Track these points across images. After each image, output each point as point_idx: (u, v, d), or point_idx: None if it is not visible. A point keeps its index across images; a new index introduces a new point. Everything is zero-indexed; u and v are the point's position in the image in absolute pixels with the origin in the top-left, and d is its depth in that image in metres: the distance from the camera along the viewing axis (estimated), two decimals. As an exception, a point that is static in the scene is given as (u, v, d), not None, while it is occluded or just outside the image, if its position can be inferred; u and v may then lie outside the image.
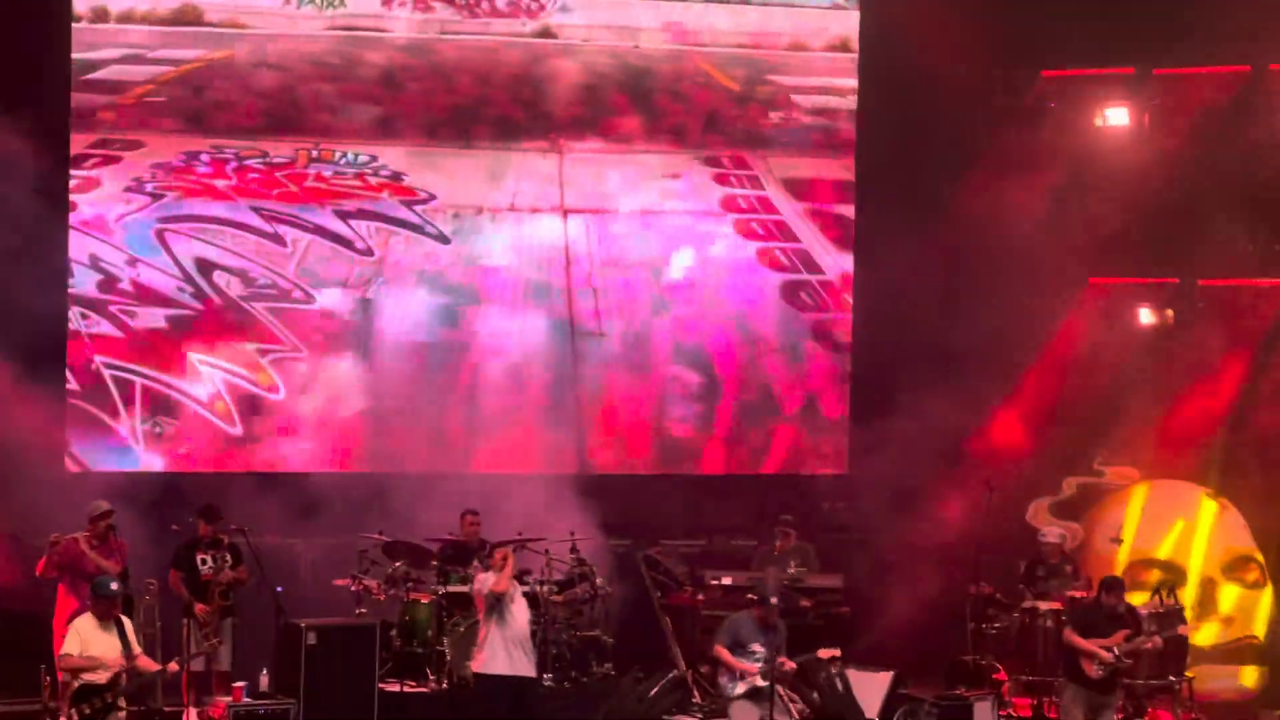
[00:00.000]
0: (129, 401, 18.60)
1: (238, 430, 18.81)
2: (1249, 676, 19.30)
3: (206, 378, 18.78)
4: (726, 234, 20.16)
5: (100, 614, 14.12)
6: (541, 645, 16.73)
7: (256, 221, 18.99)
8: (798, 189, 20.29)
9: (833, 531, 19.41)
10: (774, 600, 15.76)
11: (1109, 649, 15.74)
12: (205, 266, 18.85)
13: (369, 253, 19.26)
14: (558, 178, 19.72)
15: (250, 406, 18.86)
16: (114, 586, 14.29)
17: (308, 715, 15.62)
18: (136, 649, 14.27)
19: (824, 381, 20.34)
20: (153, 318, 18.70)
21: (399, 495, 18.06)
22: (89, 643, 14.05)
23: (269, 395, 18.90)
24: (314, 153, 19.16)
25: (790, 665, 15.46)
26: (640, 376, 19.88)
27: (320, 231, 19.15)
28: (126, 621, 14.32)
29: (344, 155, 19.25)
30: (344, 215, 19.21)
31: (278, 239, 19.03)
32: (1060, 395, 19.98)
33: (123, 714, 14.10)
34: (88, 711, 13.89)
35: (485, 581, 15.06)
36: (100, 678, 13.94)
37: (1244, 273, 20.55)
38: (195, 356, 18.75)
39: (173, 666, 14.66)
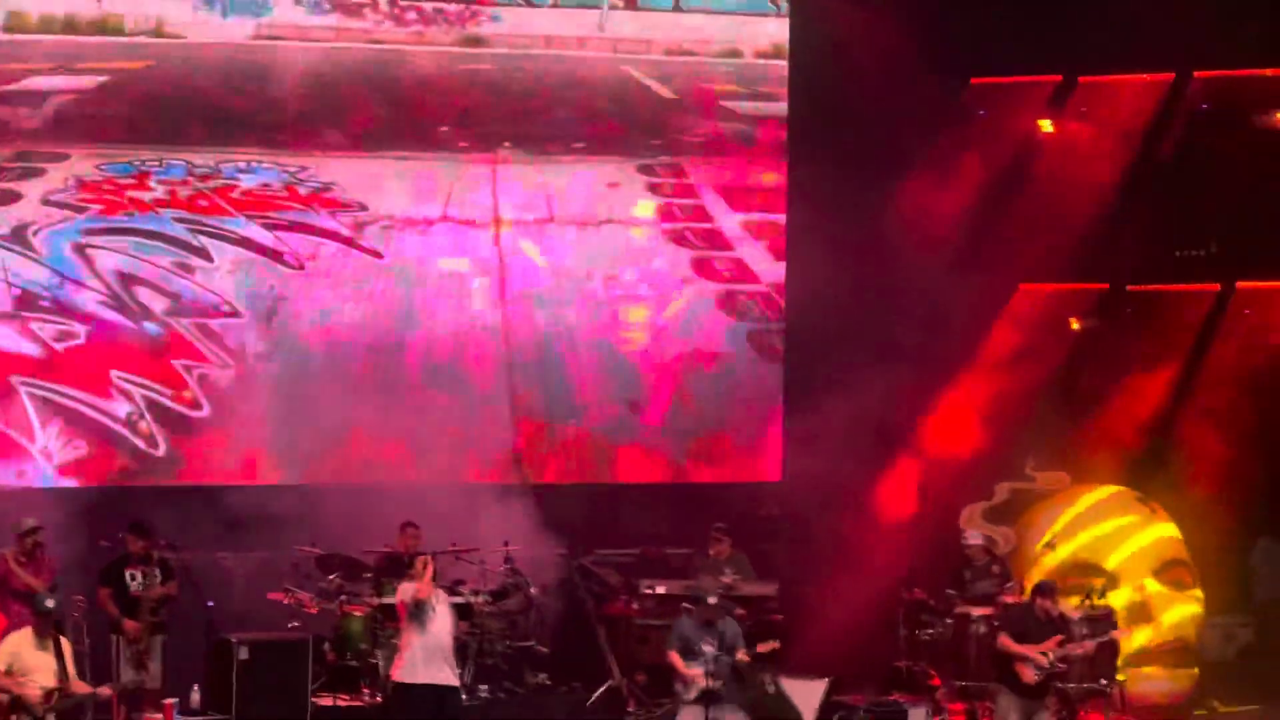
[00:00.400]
0: (45, 421, 18.33)
1: (160, 450, 18.59)
2: (1180, 679, 19.42)
3: (129, 395, 18.56)
4: (661, 243, 20.13)
5: (39, 631, 13.98)
6: (476, 656, 16.71)
7: (182, 234, 18.77)
8: (731, 196, 20.29)
9: (767, 539, 19.42)
10: (711, 600, 15.82)
11: (1044, 654, 15.83)
12: (128, 281, 18.63)
13: (299, 266, 19.09)
14: (491, 188, 19.65)
15: (175, 424, 18.64)
16: (49, 604, 14.15)
17: (240, 732, 15.52)
18: (71, 670, 14.14)
19: (758, 389, 20.33)
20: (73, 334, 18.47)
21: (331, 508, 17.93)
22: (23, 660, 13.91)
23: (193, 413, 18.69)
24: (240, 164, 18.99)
25: (743, 657, 15.47)
26: (575, 386, 19.82)
27: (247, 244, 18.96)
28: (65, 642, 14.20)
29: (271, 167, 19.08)
30: (272, 227, 19.05)
31: (203, 253, 18.84)
32: (992, 401, 20.06)
33: None
34: None
35: (407, 590, 15.00)
36: (32, 694, 13.80)
37: (1171, 279, 20.73)
38: (117, 374, 18.53)
39: (105, 690, 14.50)
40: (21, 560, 15.76)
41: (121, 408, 18.48)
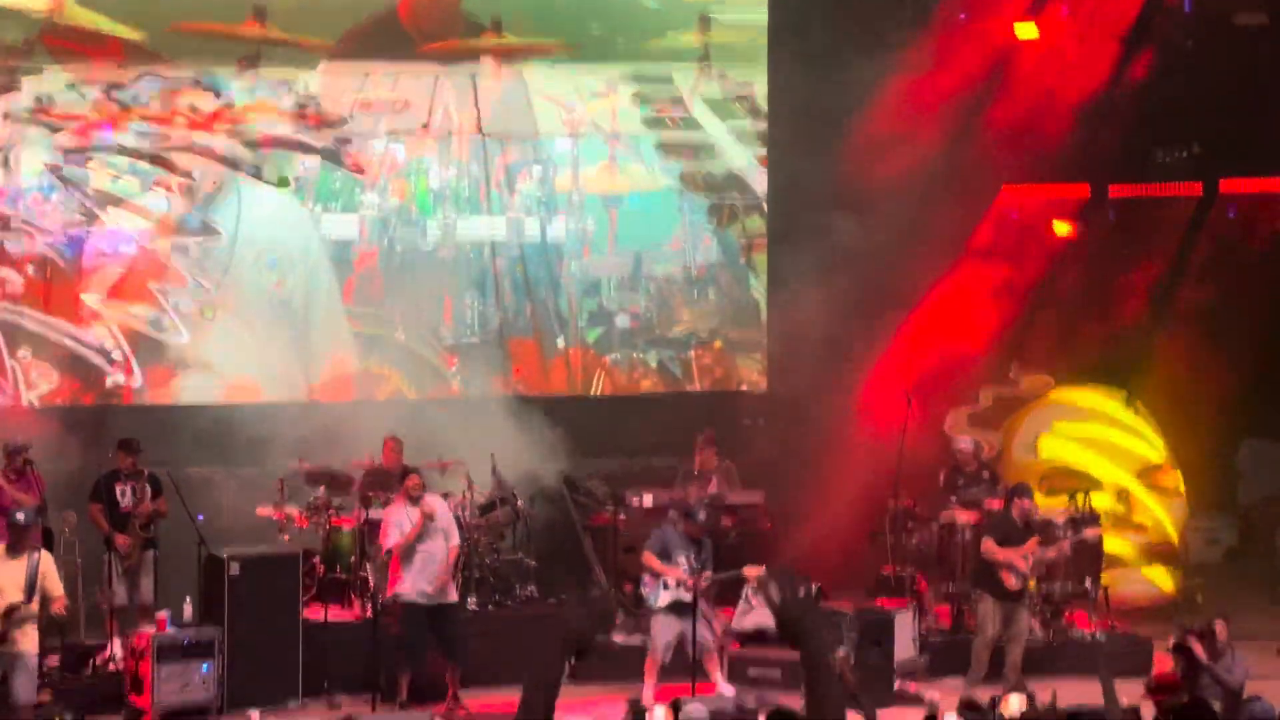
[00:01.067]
0: (15, 346, 18.30)
1: (136, 380, 18.58)
2: (1164, 581, 19.56)
3: (106, 319, 18.53)
4: (650, 152, 20.06)
5: (11, 546, 13.92)
6: (464, 569, 16.79)
7: (159, 152, 18.62)
8: (717, 107, 20.22)
9: (754, 448, 19.48)
10: (701, 515, 16.00)
11: (1025, 558, 16.02)
12: (106, 200, 18.55)
13: (284, 183, 19.04)
14: (473, 98, 19.57)
15: (153, 349, 18.65)
16: (19, 516, 13.97)
17: (232, 644, 15.60)
18: (55, 591, 13.90)
19: (743, 299, 20.37)
20: (47, 257, 18.40)
21: (318, 423, 17.99)
22: None
23: (173, 338, 18.69)
24: (220, 78, 18.89)
25: (704, 584, 15.66)
26: (564, 295, 19.83)
27: (228, 163, 18.88)
28: (47, 558, 14.06)
29: (252, 80, 18.99)
30: (253, 145, 18.97)
31: (184, 171, 18.76)
32: (975, 304, 20.09)
33: (17, 650, 13.75)
34: None
35: (400, 526, 15.20)
36: None
37: (1154, 180, 20.74)
38: (90, 298, 18.48)
39: (56, 607, 14.01)
40: (11, 478, 15.79)
41: (98, 332, 18.49)
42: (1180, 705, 11.58)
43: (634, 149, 20.05)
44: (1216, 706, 11.57)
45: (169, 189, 18.71)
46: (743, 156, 20.31)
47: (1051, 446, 19.56)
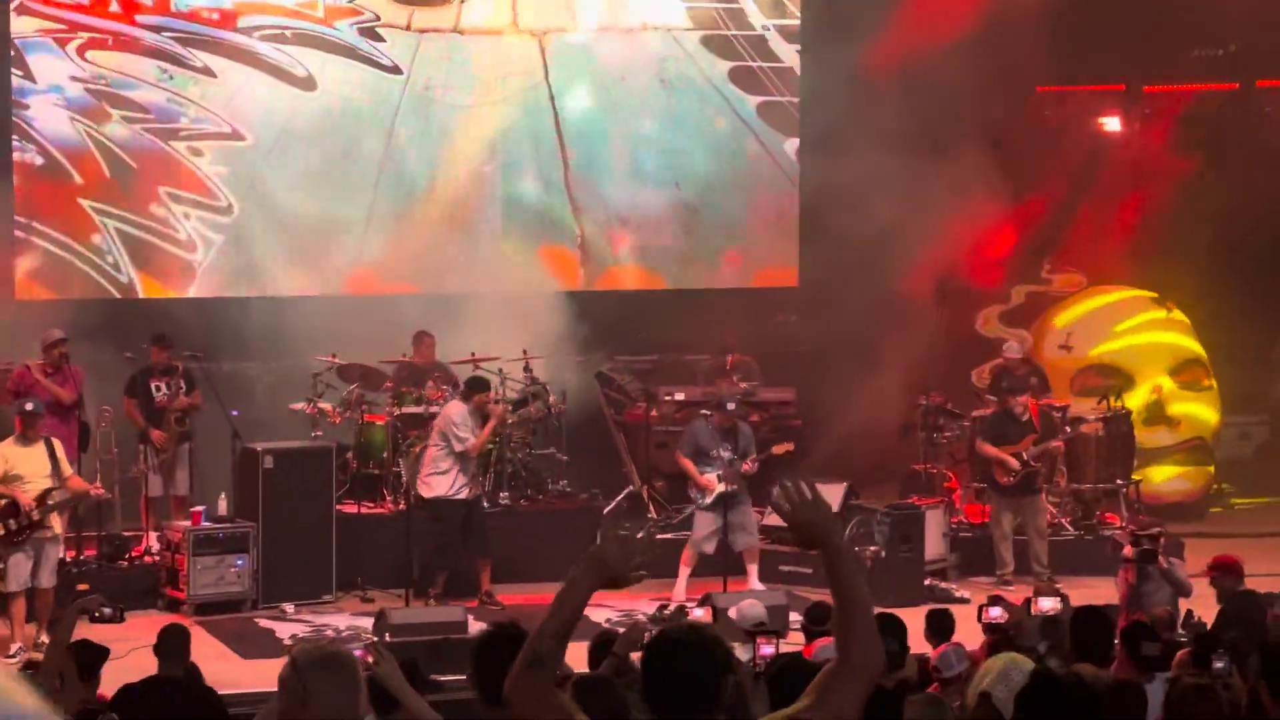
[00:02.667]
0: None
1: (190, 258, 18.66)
2: (1196, 478, 19.59)
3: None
4: (696, 47, 19.92)
5: (25, 435, 14.23)
6: (497, 464, 16.89)
7: (178, 50, 18.48)
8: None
9: (785, 344, 19.49)
10: (730, 405, 16.04)
11: (1017, 455, 16.18)
12: (120, 103, 18.36)
13: (310, 84, 18.93)
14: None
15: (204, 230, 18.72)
16: (29, 406, 14.38)
17: (266, 538, 15.74)
18: (67, 469, 14.44)
19: (772, 195, 20.31)
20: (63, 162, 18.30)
21: (350, 318, 18.04)
22: (12, 462, 14.16)
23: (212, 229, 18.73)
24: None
25: (750, 467, 15.71)
26: (600, 195, 19.81)
27: (255, 62, 18.76)
28: (56, 443, 14.49)
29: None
30: (279, 41, 18.84)
31: (207, 71, 18.66)
32: (1009, 201, 20.00)
33: (50, 531, 14.27)
34: (13, 526, 14.03)
35: (464, 440, 15.32)
36: (24, 500, 14.05)
37: (1190, 78, 20.58)
38: (89, 204, 18.39)
39: (97, 488, 14.80)
40: (49, 371, 15.88)
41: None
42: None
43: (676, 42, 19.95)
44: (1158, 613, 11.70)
45: (195, 91, 18.60)
46: (780, 50, 20.16)
47: (1084, 344, 19.52)
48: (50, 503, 14.22)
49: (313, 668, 5.86)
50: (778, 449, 16.32)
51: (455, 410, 15.73)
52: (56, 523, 14.43)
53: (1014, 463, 16.34)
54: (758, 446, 16.39)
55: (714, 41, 19.98)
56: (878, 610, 6.14)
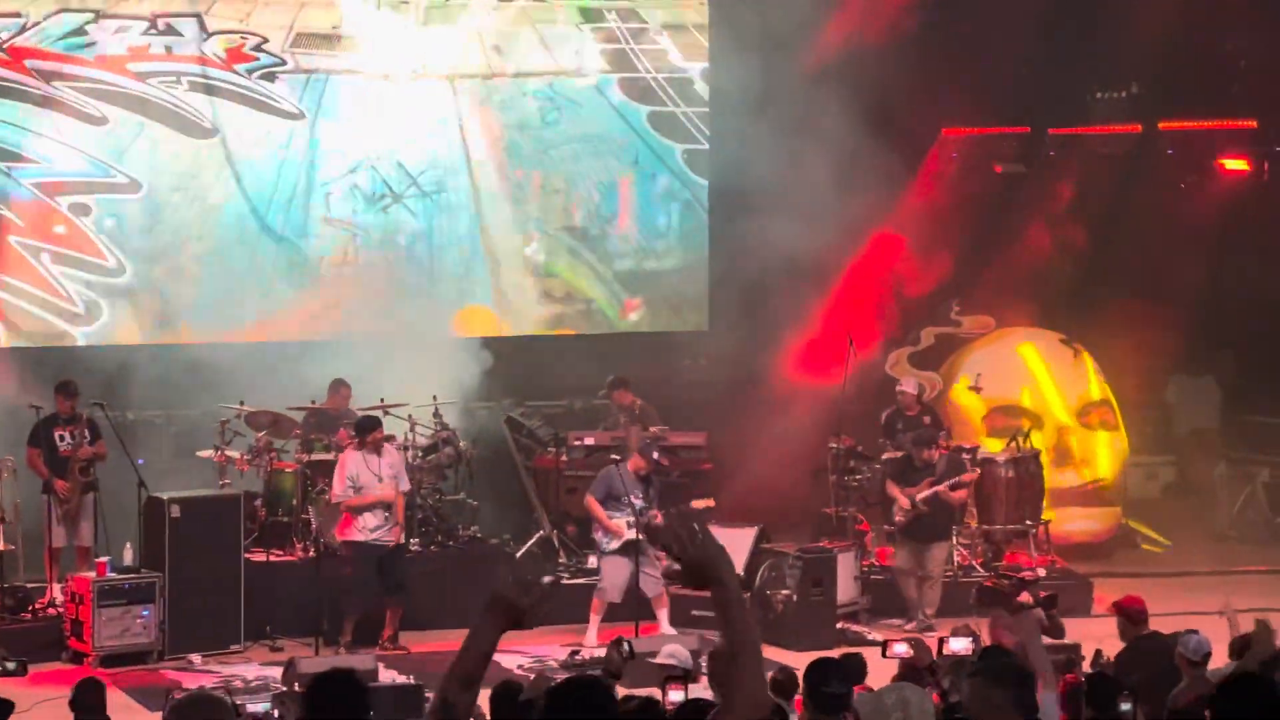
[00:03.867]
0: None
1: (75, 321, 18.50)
2: (1104, 518, 19.70)
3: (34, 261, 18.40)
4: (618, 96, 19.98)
5: None
6: (408, 510, 16.78)
7: (68, 97, 18.27)
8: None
9: (695, 388, 19.51)
10: (655, 454, 16.03)
11: (910, 498, 16.37)
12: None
13: (210, 132, 18.79)
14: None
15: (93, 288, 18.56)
16: None
17: (173, 588, 15.56)
18: None
19: (683, 235, 20.34)
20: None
21: (259, 365, 17.90)
22: None
23: (111, 279, 18.57)
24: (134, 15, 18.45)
25: (659, 518, 15.73)
26: (505, 237, 19.81)
27: (149, 110, 18.49)
28: None
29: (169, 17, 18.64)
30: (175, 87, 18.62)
31: (97, 119, 18.45)
32: (916, 245, 20.13)
33: None
34: None
35: (355, 476, 15.29)
36: None
37: (1092, 121, 20.78)
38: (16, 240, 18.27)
39: None
40: (-52, 422, 15.69)
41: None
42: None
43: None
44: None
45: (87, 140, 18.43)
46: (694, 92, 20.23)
47: (993, 385, 19.62)
48: None
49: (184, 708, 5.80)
50: (698, 504, 16.33)
51: (348, 458, 15.63)
52: None
53: (904, 502, 16.46)
54: (669, 490, 16.35)
55: (629, 85, 20.00)
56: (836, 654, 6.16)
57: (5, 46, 18.13)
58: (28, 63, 18.21)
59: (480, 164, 19.63)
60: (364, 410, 16.88)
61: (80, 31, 18.34)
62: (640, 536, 15.70)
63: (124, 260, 18.57)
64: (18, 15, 18.16)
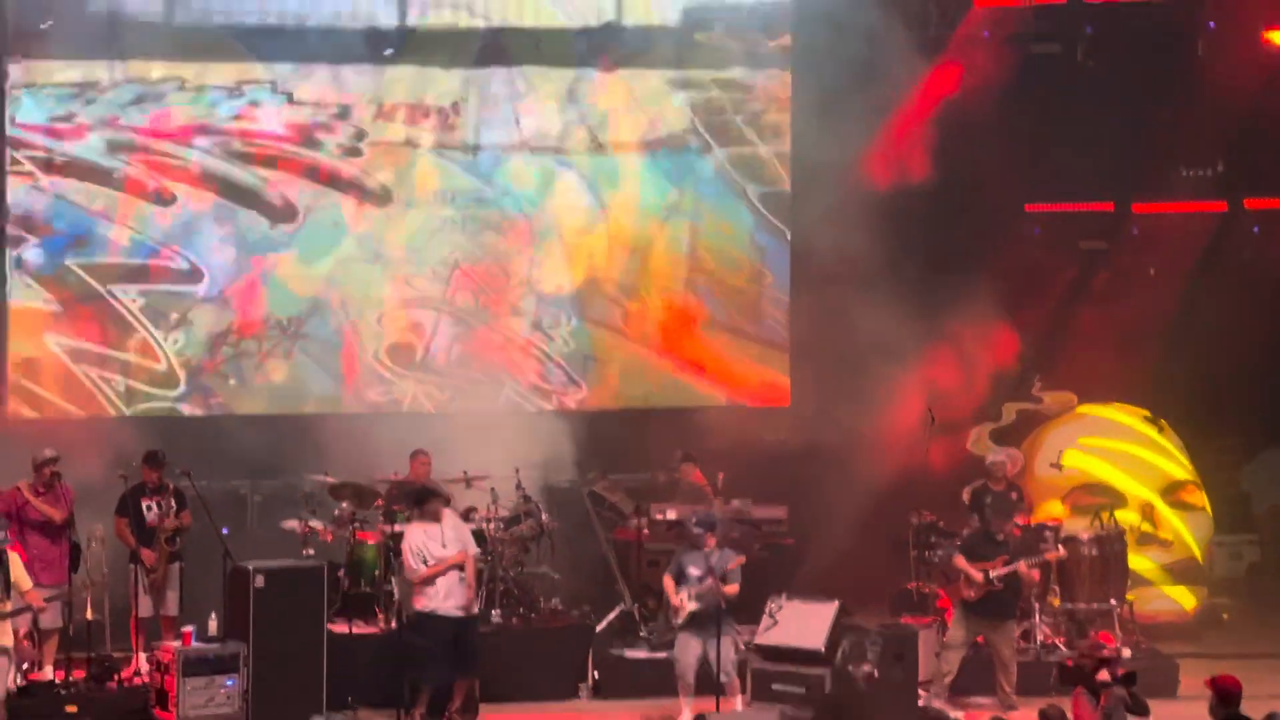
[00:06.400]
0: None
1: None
2: (1189, 598, 19.54)
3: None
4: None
5: None
6: (489, 583, 16.82)
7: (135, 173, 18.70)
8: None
9: (776, 463, 19.50)
10: (694, 523, 15.94)
11: (984, 572, 16.08)
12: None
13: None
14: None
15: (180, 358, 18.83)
16: (2, 535, 14.35)
17: (257, 658, 15.61)
18: (25, 583, 14.37)
19: (766, 312, 20.43)
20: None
21: (343, 436, 18.05)
22: None
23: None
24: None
25: (714, 583, 15.52)
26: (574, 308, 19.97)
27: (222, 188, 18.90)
28: (13, 557, 14.39)
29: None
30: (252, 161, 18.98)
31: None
32: (999, 321, 20.10)
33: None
34: None
35: (420, 550, 15.33)
36: None
37: (1177, 198, 20.74)
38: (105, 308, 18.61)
39: (38, 601, 14.67)
40: (39, 490, 15.85)
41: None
42: None
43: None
44: None
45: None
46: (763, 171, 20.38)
47: (1075, 463, 19.54)
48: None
49: None
50: (732, 564, 16.13)
51: (411, 533, 15.68)
52: (6, 636, 14.30)
53: (978, 577, 16.18)
54: (750, 565, 16.24)
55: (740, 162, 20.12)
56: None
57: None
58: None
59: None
60: (446, 482, 16.97)
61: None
62: (695, 606, 15.55)
63: (208, 331, 18.84)
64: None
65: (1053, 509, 18.88)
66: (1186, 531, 19.60)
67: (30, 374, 18.53)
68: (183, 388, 18.87)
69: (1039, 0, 20.24)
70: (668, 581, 15.90)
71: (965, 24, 20.31)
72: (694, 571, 15.70)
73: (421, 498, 15.82)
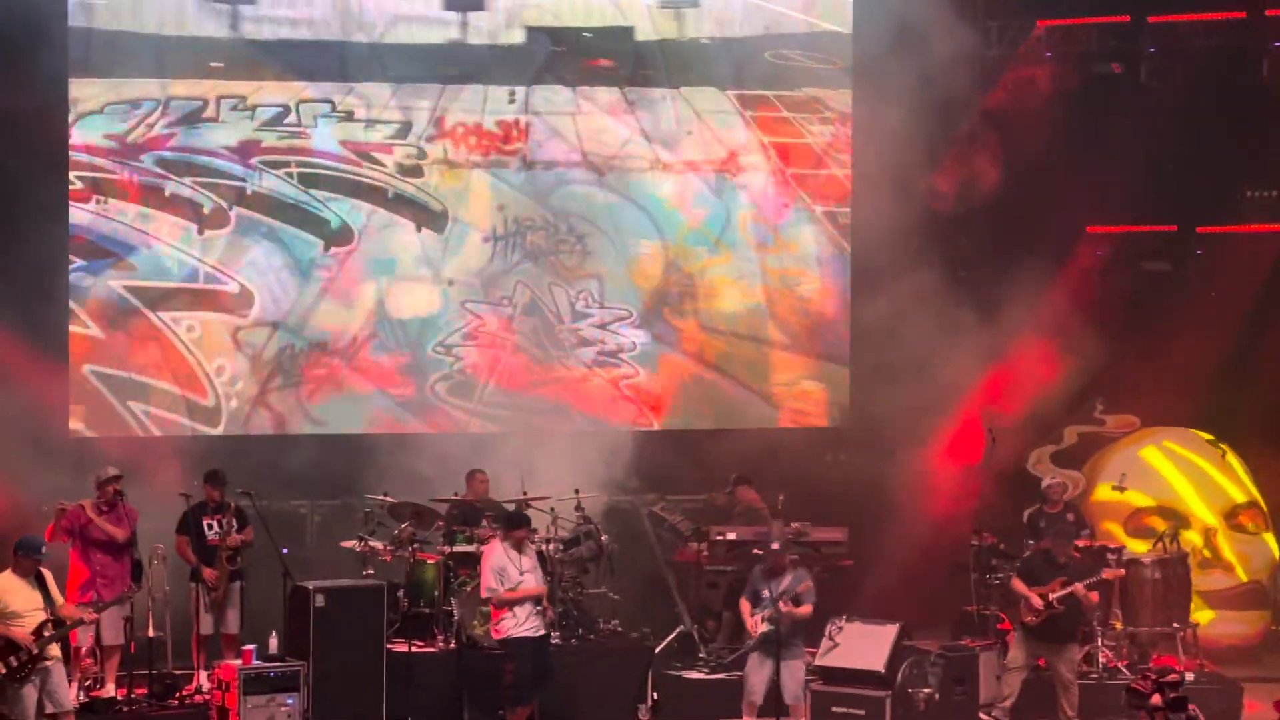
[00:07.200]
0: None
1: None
2: (1253, 622, 19.39)
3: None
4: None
5: (21, 571, 14.25)
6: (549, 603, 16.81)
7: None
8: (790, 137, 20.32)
9: (835, 484, 19.45)
10: (775, 545, 15.91)
11: (1043, 596, 15.95)
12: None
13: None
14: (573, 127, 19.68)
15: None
16: (44, 550, 14.46)
17: (317, 677, 15.65)
18: (59, 598, 14.45)
19: (826, 333, 20.39)
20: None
21: (401, 456, 18.09)
22: (6, 598, 14.17)
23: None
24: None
25: (787, 608, 15.46)
26: (637, 331, 19.96)
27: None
28: (48, 574, 14.45)
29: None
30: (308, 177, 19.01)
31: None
32: (1060, 343, 20.00)
33: (49, 663, 14.24)
34: (14, 664, 14.01)
35: (501, 571, 15.33)
36: (20, 635, 14.05)
37: (1242, 220, 20.60)
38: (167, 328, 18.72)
39: (89, 615, 14.84)
40: (102, 509, 15.92)
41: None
42: None
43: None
44: None
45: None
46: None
47: (1138, 485, 19.41)
48: (46, 635, 14.18)
49: None
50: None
51: (493, 554, 15.65)
52: (55, 649, 14.38)
53: (1037, 602, 16.06)
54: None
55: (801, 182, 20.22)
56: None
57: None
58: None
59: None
60: (506, 502, 16.97)
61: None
62: (767, 628, 15.50)
63: (273, 351, 18.92)
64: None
65: (1112, 531, 18.76)
66: (1250, 555, 19.45)
67: (83, 395, 18.59)
68: (229, 414, 18.87)
69: (1102, 19, 20.15)
70: (744, 604, 15.85)
71: (1027, 43, 20.25)
72: (767, 594, 15.66)
73: (514, 522, 15.76)
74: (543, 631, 15.62)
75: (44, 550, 14.49)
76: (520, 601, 15.46)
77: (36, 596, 14.28)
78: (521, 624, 15.48)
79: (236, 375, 18.93)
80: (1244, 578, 19.35)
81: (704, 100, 19.97)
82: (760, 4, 19.97)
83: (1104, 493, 19.55)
